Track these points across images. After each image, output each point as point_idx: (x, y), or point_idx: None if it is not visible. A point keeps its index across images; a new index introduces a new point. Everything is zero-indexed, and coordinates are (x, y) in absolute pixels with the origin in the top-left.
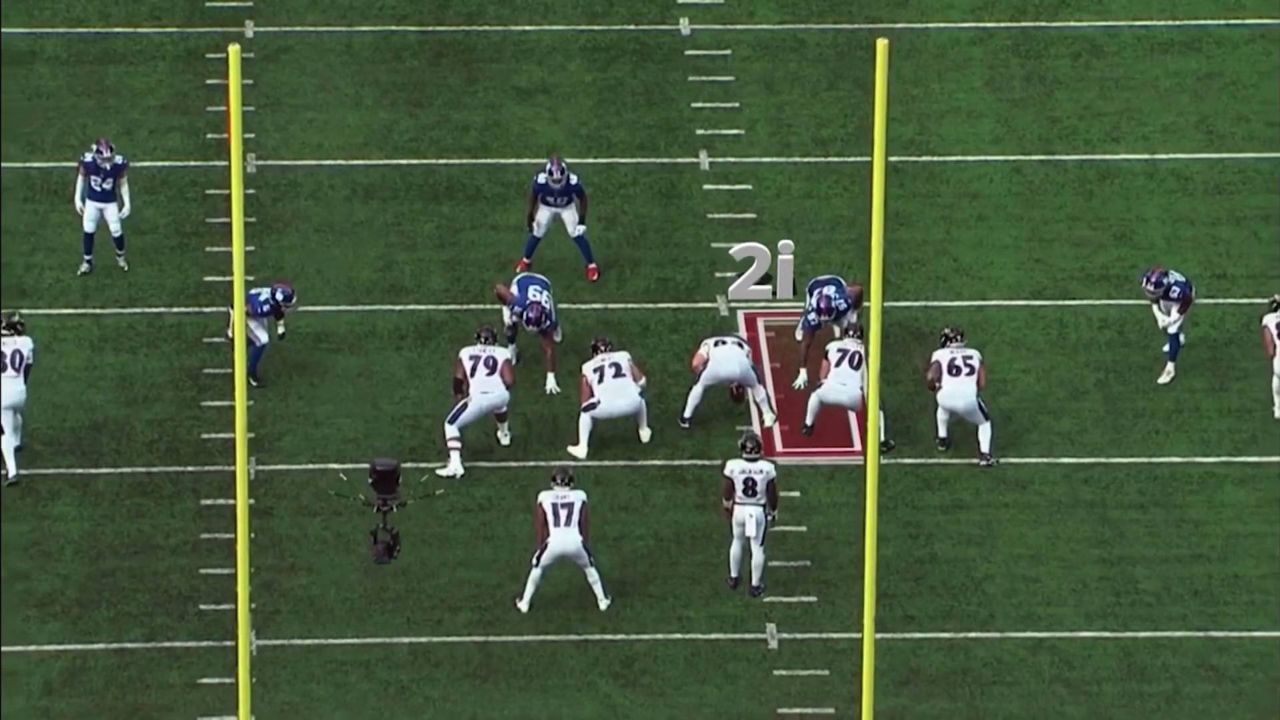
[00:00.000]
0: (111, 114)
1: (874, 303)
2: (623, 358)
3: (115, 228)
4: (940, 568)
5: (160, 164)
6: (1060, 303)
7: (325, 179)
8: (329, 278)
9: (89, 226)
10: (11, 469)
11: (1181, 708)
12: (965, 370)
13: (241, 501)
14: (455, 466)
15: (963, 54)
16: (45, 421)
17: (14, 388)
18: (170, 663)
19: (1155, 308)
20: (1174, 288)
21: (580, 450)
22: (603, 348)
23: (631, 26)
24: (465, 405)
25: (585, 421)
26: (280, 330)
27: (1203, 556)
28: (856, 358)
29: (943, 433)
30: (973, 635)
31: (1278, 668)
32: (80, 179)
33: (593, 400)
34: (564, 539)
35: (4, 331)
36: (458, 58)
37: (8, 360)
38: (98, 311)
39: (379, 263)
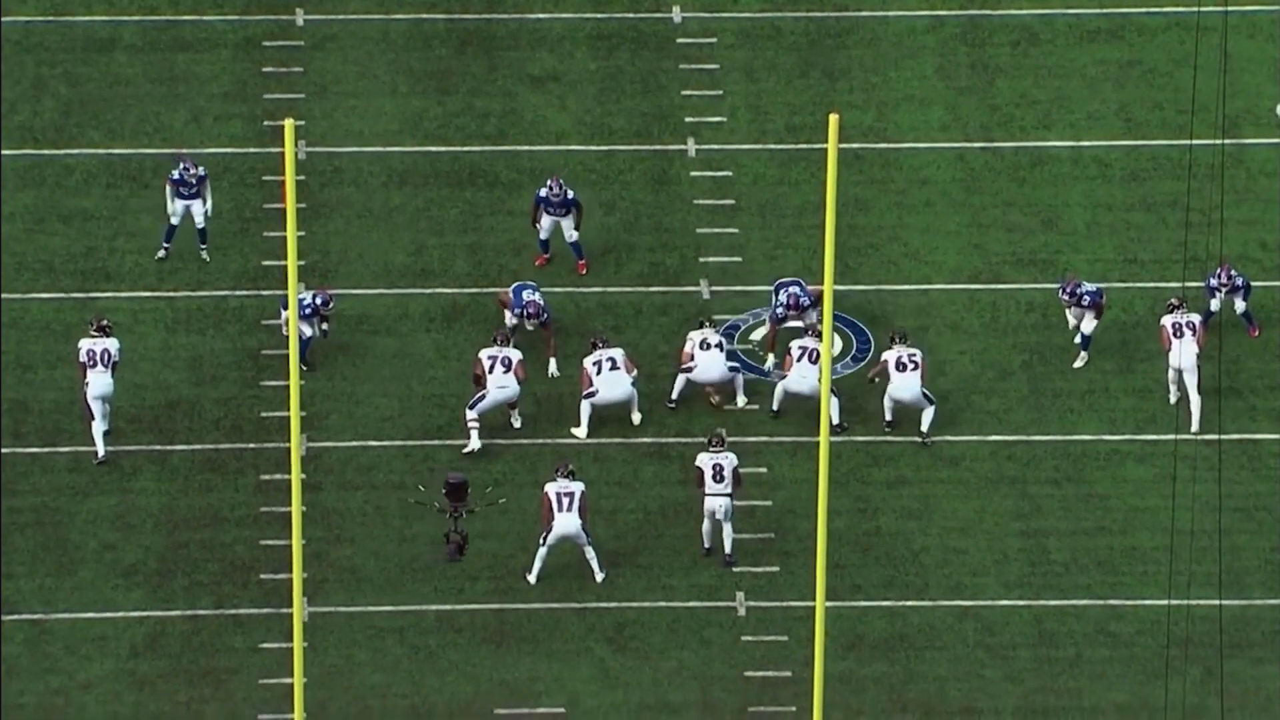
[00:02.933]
0: (181, 101)
1: (826, 289)
2: (618, 353)
3: (199, 221)
4: (884, 540)
5: (223, 150)
6: (993, 287)
7: (365, 165)
8: (369, 262)
9: (174, 220)
10: (101, 450)
11: (1083, 670)
12: (911, 366)
13: (295, 478)
14: (475, 443)
15: (917, 42)
16: (128, 400)
17: (102, 381)
18: (235, 629)
19: (1068, 311)
20: (1085, 296)
21: (581, 431)
22: (600, 344)
23: (630, 14)
24: (484, 396)
25: (585, 407)
26: (324, 327)
27: (1106, 529)
28: (815, 353)
29: (889, 417)
30: (909, 604)
31: (1164, 633)
32: (170, 188)
33: (592, 389)
34: (566, 523)
35: (94, 333)
36: (480, 45)
37: (98, 358)
38: (171, 295)
39: (411, 247)
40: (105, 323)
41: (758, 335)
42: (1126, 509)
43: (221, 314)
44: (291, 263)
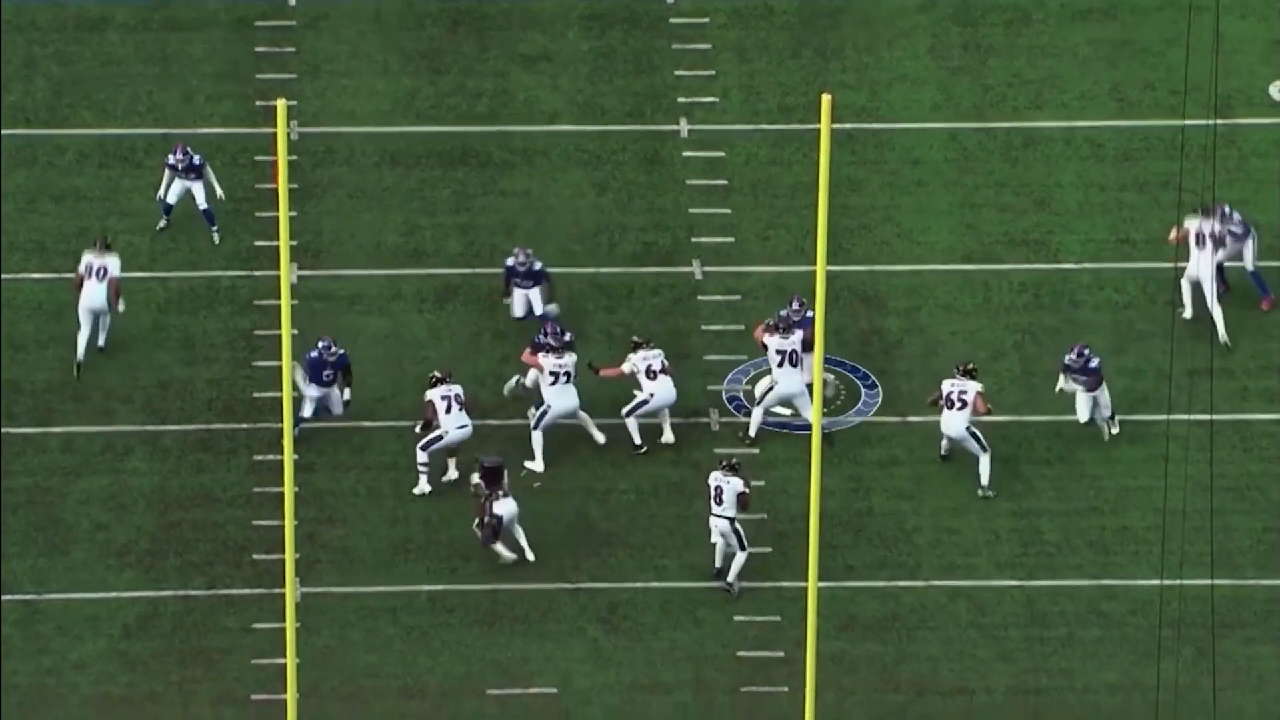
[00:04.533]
0: (173, 81)
1: (819, 269)
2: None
3: (201, 202)
4: (876, 520)
5: (215, 130)
6: (986, 267)
7: (358, 145)
8: (361, 242)
9: (171, 198)
10: (80, 353)
11: (1075, 650)
12: (958, 404)
13: (288, 459)
14: (424, 486)
15: (910, 22)
16: (120, 380)
17: (94, 293)
18: (227, 609)
19: (1063, 376)
20: (1091, 361)
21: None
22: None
23: None
24: (440, 437)
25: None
26: (346, 397)
27: (1098, 509)
28: (794, 356)
29: (943, 451)
30: (902, 584)
31: (1156, 613)
32: (167, 173)
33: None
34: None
35: (97, 248)
36: (472, 25)
37: (94, 271)
38: (164, 275)
39: (403, 227)
40: (109, 240)
41: (761, 386)
42: (1118, 489)
43: (214, 294)
44: (284, 243)
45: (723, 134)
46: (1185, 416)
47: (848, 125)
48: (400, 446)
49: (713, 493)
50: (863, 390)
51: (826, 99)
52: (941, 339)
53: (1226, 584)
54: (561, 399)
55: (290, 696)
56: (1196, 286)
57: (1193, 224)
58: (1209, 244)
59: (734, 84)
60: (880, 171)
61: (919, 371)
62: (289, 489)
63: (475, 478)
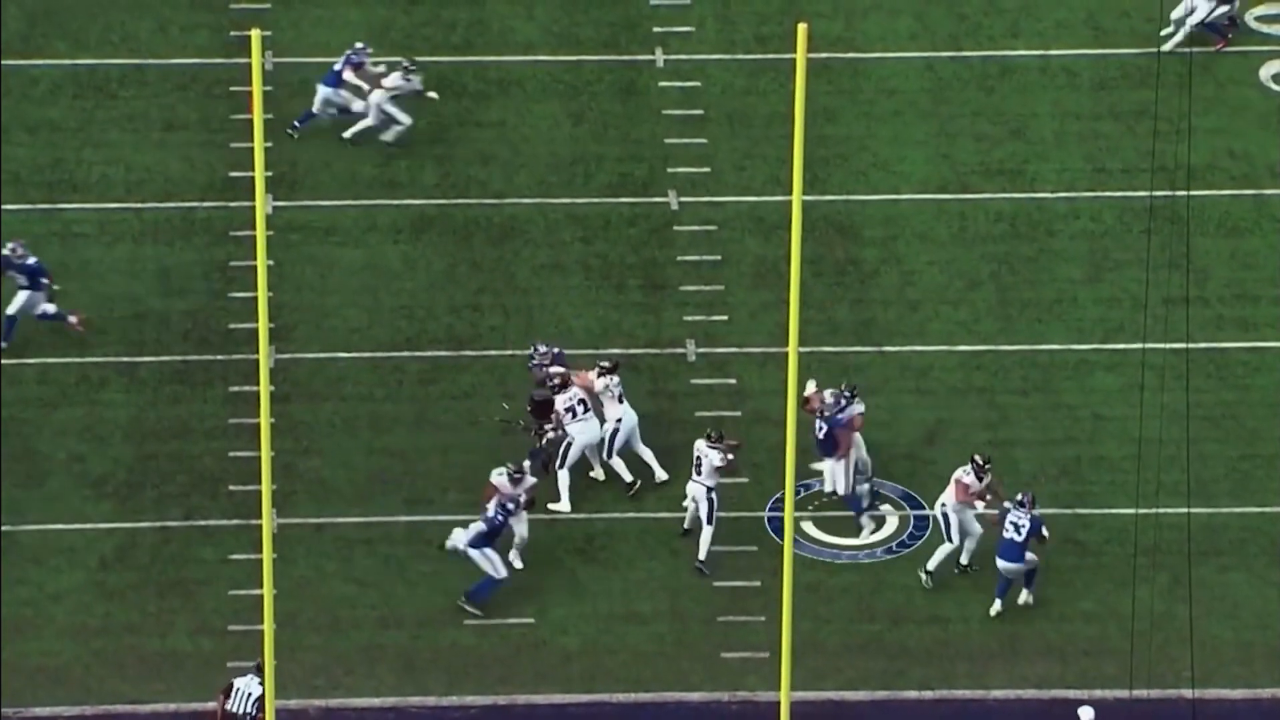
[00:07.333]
0: (147, 11)
1: (795, 199)
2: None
3: (40, 310)
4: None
5: (190, 61)
6: (961, 196)
7: None
8: (336, 173)
9: (11, 309)
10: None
11: (1050, 579)
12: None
13: (264, 390)
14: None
15: None
16: (96, 311)
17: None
18: (204, 540)
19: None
20: (1031, 523)
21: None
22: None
23: None
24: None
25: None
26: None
27: (1073, 439)
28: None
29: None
30: (878, 512)
31: (1132, 542)
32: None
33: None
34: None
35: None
36: None
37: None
38: (139, 206)
39: (378, 158)
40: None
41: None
42: (1093, 418)
43: (189, 225)
44: (259, 174)
45: (698, 64)
46: (1160, 345)
47: (823, 55)
48: (376, 378)
49: (694, 460)
50: (912, 521)
51: (802, 28)
52: (917, 269)
53: (1202, 512)
54: (587, 431)
55: (268, 627)
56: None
57: None
58: None
59: (709, 13)
60: (856, 101)
61: (895, 302)
62: (265, 420)
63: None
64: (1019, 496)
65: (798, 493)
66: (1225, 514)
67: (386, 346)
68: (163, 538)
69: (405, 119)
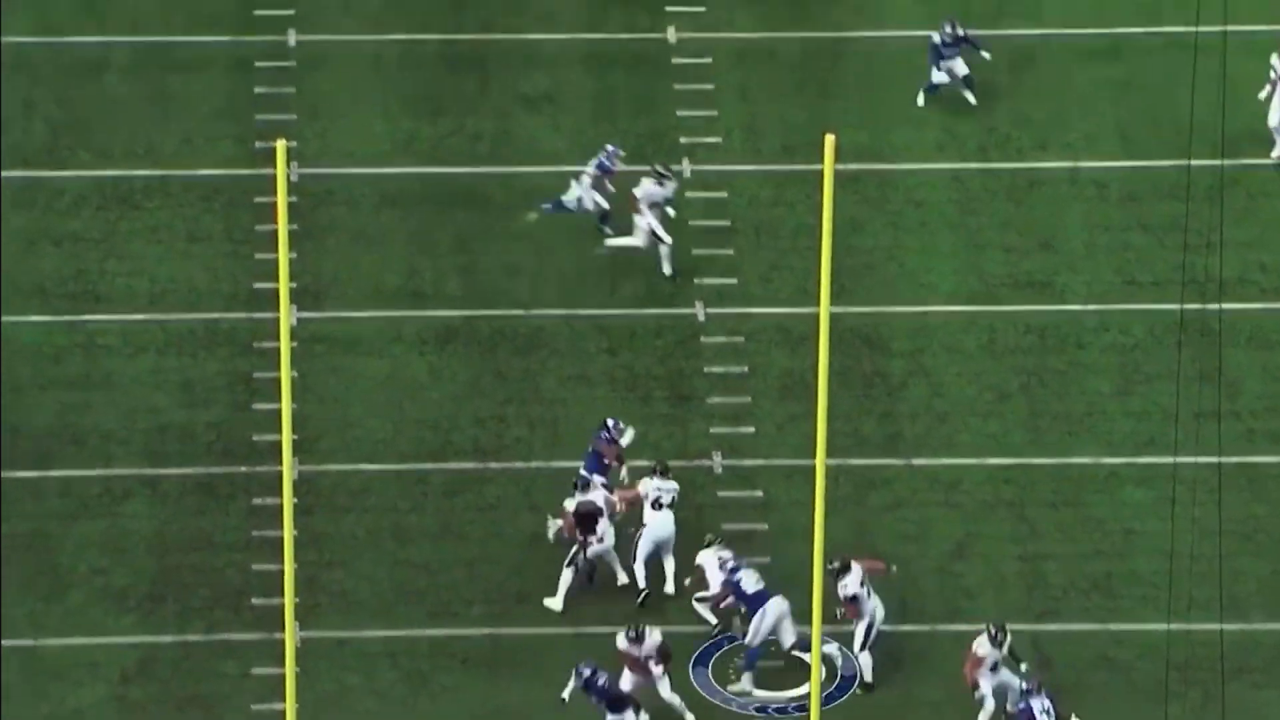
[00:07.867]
0: (172, 122)
1: (823, 310)
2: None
3: None
4: None
5: (215, 171)
6: (990, 308)
7: (357, 186)
8: (361, 284)
9: None
10: None
11: (1083, 697)
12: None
13: (287, 502)
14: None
15: (912, 62)
16: (119, 423)
17: None
18: (226, 654)
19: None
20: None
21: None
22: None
23: (625, 35)
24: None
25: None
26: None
27: (1104, 553)
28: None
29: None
30: (905, 628)
31: (1164, 658)
32: None
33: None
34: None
35: None
36: (472, 66)
37: None
38: (162, 318)
39: (403, 269)
40: None
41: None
42: (1124, 532)
43: (213, 337)
44: (284, 285)
45: (725, 174)
46: (1192, 459)
47: (850, 165)
48: (400, 489)
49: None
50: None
51: (830, 139)
52: (945, 381)
53: (1235, 628)
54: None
55: None
56: None
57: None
58: None
59: (736, 124)
60: (883, 212)
61: (923, 414)
62: (288, 533)
63: (555, 523)
64: (1023, 685)
65: (719, 645)
66: (1258, 630)
67: (411, 458)
68: (185, 652)
69: (668, 239)
